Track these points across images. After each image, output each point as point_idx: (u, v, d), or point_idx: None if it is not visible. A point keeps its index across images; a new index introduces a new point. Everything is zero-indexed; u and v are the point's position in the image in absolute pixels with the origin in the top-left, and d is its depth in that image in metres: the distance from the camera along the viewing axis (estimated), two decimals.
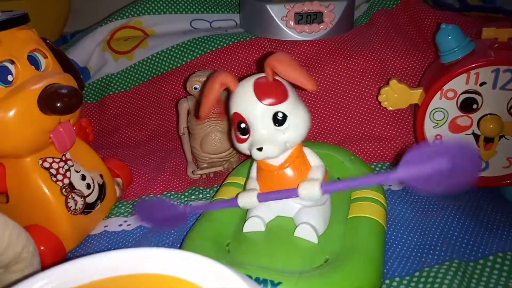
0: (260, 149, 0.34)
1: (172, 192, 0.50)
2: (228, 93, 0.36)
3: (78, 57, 0.67)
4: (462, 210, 0.41)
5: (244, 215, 0.39)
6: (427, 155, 0.27)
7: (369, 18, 0.64)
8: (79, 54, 0.67)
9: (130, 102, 0.64)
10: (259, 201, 0.36)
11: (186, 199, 0.48)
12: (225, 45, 0.62)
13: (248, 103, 0.34)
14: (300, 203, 0.37)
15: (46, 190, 0.38)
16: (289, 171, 0.36)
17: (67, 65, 0.42)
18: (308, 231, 0.34)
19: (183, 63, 0.63)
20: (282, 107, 0.34)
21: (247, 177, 0.39)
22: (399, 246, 0.38)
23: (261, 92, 0.34)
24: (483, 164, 0.43)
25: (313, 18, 0.58)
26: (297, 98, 0.35)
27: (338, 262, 0.32)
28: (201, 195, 0.48)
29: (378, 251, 0.33)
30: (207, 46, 0.62)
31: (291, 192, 0.34)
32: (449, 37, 0.42)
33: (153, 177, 0.52)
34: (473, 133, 0.43)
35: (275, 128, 0.34)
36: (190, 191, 0.49)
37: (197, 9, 0.69)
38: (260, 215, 0.37)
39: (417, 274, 0.34)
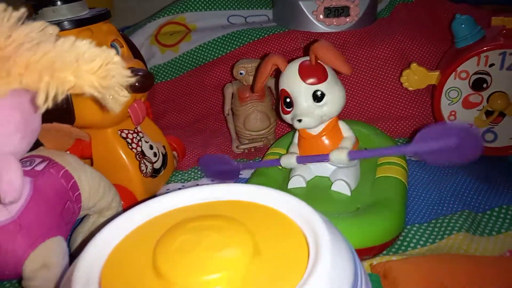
0: (300, 121, 0.41)
1: None
2: (278, 73, 0.44)
3: None
4: (473, 174, 0.48)
5: (287, 176, 0.46)
6: (438, 133, 0.33)
7: (391, 12, 0.71)
8: None
9: (176, 89, 0.73)
10: (297, 162, 0.43)
11: None
12: (261, 37, 0.69)
13: (293, 81, 0.42)
14: (334, 165, 0.44)
15: (124, 156, 0.47)
16: (324, 140, 0.44)
17: (137, 53, 0.51)
18: (342, 186, 0.42)
19: (223, 54, 0.71)
20: (321, 87, 0.41)
21: (290, 143, 0.47)
22: (419, 201, 0.45)
23: (304, 73, 0.42)
24: (491, 136, 0.50)
25: (341, 12, 0.65)
26: (336, 80, 0.43)
27: (368, 209, 0.39)
28: None
29: (401, 202, 0.41)
30: (245, 38, 0.70)
31: (324, 157, 0.42)
32: (463, 26, 0.49)
33: (202, 152, 0.60)
34: (483, 108, 0.49)
35: (314, 103, 0.42)
36: None
37: (233, 6, 0.77)
38: (302, 174, 0.44)
39: (433, 221, 0.41)
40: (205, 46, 0.72)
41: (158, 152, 0.51)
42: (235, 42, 0.70)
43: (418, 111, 0.60)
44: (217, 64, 0.71)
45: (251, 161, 0.56)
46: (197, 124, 0.69)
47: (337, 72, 0.43)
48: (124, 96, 0.27)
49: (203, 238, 0.25)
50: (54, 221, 0.33)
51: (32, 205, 0.32)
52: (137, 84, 0.44)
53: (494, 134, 0.50)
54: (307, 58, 0.42)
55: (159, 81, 0.74)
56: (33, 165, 0.35)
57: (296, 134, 0.46)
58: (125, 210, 0.45)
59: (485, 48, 0.46)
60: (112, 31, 0.46)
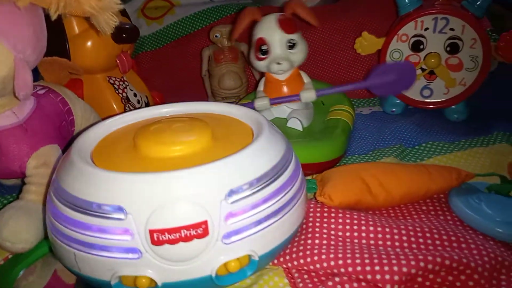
0: (279, 64, 0.50)
1: None
2: (253, 24, 0.52)
3: None
4: (410, 120, 0.56)
5: None
6: (385, 70, 0.46)
7: None
8: None
9: (161, 58, 0.80)
10: (271, 104, 0.51)
11: None
12: (237, 11, 0.77)
13: (272, 31, 0.50)
14: (291, 108, 0.52)
15: (111, 99, 0.54)
16: (290, 84, 0.52)
17: (124, 14, 0.58)
18: (295, 122, 0.50)
19: (203, 26, 0.79)
20: (294, 36, 0.50)
21: (255, 92, 0.54)
22: (361, 141, 0.53)
23: (283, 25, 0.50)
24: (428, 92, 0.59)
25: None
26: (300, 33, 0.51)
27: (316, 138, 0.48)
28: None
29: (343, 135, 0.49)
30: (223, 12, 0.78)
31: (294, 97, 0.50)
32: None
33: None
34: (421, 68, 0.58)
35: (287, 50, 0.50)
36: None
37: None
38: (263, 116, 0.52)
39: (370, 152, 0.50)
40: (187, 19, 0.80)
41: (141, 100, 0.59)
42: (215, 15, 0.78)
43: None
44: (198, 35, 0.78)
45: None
46: (179, 87, 0.77)
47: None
48: (114, 20, 0.35)
49: (172, 126, 0.33)
50: (53, 131, 0.41)
51: (36, 115, 0.39)
52: (124, 35, 0.51)
53: (430, 90, 0.59)
54: (280, 13, 0.51)
55: (144, 51, 0.81)
56: (36, 90, 0.43)
57: (261, 82, 0.54)
58: None
59: (420, 14, 0.55)
60: None
